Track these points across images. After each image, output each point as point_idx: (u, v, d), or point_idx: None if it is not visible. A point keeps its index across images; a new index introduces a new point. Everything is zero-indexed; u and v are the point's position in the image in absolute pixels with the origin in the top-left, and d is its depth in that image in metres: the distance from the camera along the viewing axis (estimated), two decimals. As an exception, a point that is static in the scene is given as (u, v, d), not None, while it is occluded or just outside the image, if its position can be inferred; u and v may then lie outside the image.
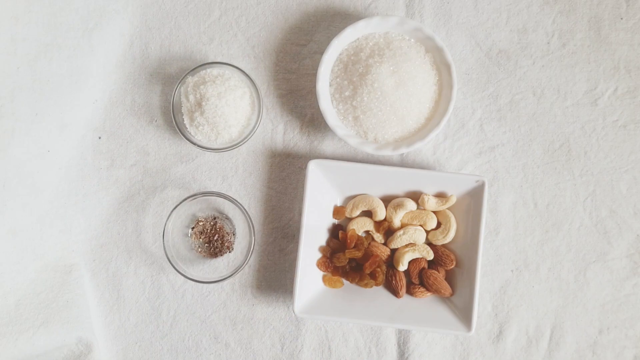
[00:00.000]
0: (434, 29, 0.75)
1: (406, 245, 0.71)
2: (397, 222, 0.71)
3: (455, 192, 0.70)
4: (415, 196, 0.71)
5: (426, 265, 0.71)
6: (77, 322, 0.70)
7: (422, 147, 0.74)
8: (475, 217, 0.69)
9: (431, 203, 0.70)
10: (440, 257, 0.71)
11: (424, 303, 0.71)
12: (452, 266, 0.70)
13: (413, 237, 0.70)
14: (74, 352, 0.70)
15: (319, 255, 0.72)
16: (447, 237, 0.70)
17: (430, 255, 0.70)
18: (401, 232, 0.70)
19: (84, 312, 0.71)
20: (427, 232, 0.72)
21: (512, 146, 0.75)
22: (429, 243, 0.72)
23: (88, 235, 0.74)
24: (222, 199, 0.71)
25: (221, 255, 0.73)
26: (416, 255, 0.70)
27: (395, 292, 0.71)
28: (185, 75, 0.71)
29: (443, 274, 0.71)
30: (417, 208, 0.71)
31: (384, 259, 0.71)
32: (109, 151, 0.74)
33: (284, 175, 0.74)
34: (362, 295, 0.71)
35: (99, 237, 0.74)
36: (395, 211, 0.70)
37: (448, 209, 0.71)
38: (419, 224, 0.71)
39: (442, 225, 0.71)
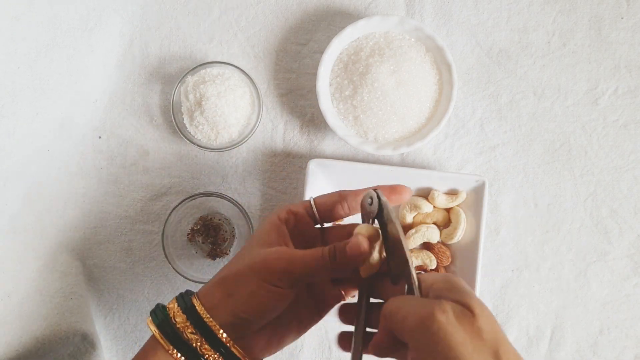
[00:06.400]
0: (435, 29, 0.75)
1: (410, 250, 0.70)
2: (408, 220, 0.70)
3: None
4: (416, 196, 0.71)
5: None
6: (80, 319, 0.70)
7: (423, 147, 0.74)
8: (476, 216, 0.69)
9: (440, 200, 0.69)
10: (437, 254, 0.70)
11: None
12: (448, 262, 0.70)
13: (426, 235, 0.69)
14: (80, 349, 0.70)
15: (319, 255, 0.71)
16: (456, 236, 0.69)
17: (432, 264, 0.69)
18: (413, 230, 0.70)
19: (85, 310, 0.71)
20: (441, 229, 0.71)
21: (513, 146, 0.74)
22: (428, 242, 0.72)
23: (88, 234, 0.74)
24: (222, 199, 0.71)
25: (220, 256, 0.73)
26: (418, 262, 0.70)
27: None
28: (185, 75, 0.71)
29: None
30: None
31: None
32: (109, 150, 0.74)
33: (284, 175, 0.74)
34: (362, 295, 0.71)
35: (99, 237, 0.74)
36: (411, 211, 0.70)
37: (457, 205, 0.70)
38: (431, 221, 0.70)
39: (451, 223, 0.70)
